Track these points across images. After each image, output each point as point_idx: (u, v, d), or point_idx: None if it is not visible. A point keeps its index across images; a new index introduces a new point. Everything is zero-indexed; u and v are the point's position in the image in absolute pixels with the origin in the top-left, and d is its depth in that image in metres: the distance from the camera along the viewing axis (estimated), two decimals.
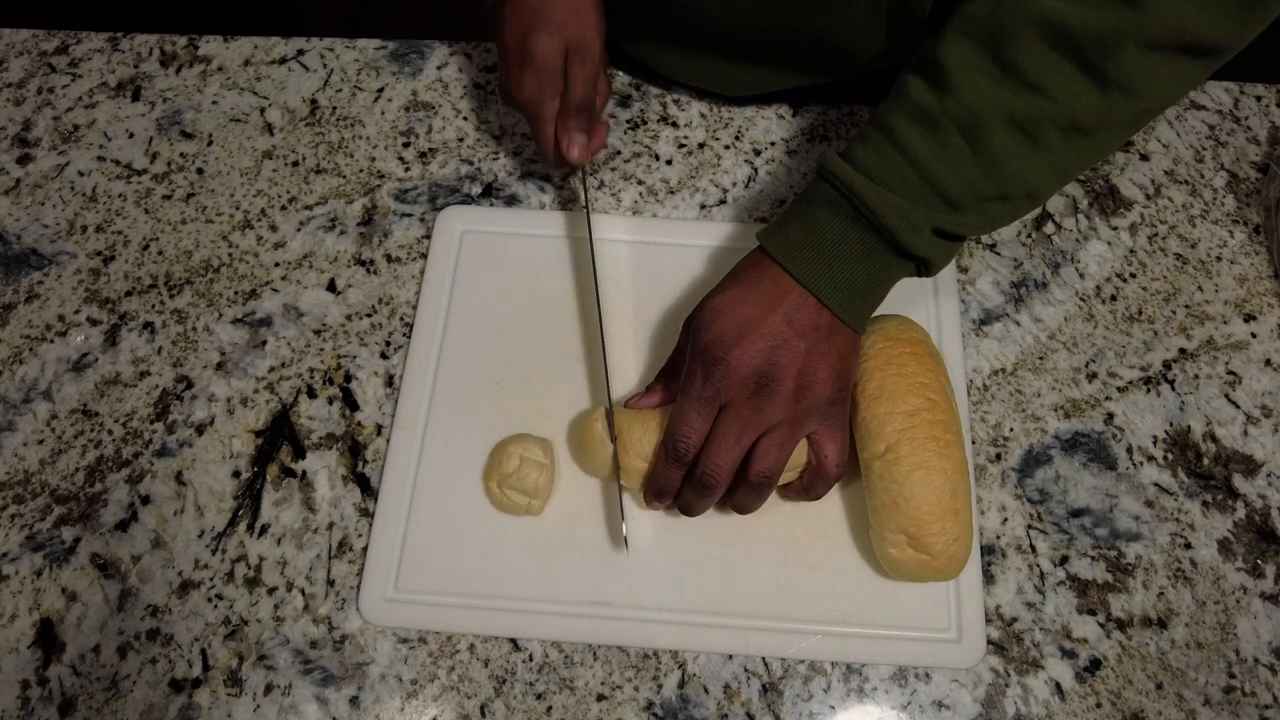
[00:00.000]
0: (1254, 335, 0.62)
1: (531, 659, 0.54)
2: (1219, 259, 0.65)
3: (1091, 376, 0.61)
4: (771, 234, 0.52)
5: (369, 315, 0.65)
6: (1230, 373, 0.61)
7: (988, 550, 0.56)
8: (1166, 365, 0.61)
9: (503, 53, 0.61)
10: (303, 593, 0.56)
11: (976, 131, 0.47)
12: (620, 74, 0.74)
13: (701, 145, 0.70)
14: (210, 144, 0.72)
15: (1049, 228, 0.67)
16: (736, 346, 0.49)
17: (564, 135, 0.59)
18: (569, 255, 0.66)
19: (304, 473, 0.59)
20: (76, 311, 0.65)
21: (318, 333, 0.64)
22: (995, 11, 0.46)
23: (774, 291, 0.50)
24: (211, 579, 0.56)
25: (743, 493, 0.52)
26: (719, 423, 0.50)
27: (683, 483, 0.52)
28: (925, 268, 0.51)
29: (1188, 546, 0.56)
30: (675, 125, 0.71)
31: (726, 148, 0.70)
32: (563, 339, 0.62)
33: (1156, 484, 0.58)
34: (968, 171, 0.48)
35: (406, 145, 0.71)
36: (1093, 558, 0.56)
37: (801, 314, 0.50)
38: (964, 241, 0.52)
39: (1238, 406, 0.60)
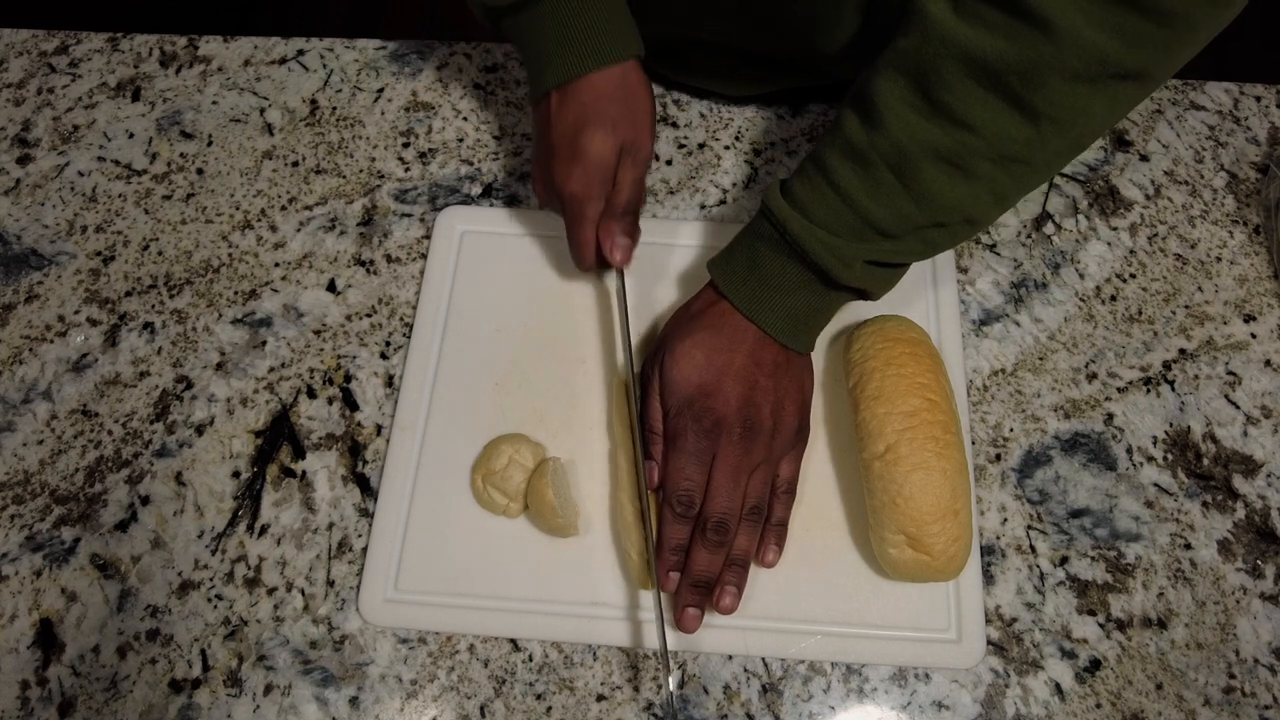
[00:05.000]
0: (1254, 336, 0.62)
1: (531, 659, 0.54)
2: (1219, 259, 0.65)
3: (1091, 377, 0.61)
4: (719, 264, 0.55)
5: (369, 315, 0.65)
6: (1230, 373, 0.61)
7: (988, 550, 0.56)
8: (1166, 366, 0.61)
9: (548, 147, 0.57)
10: (302, 593, 0.56)
11: (905, 167, 0.47)
12: None
13: (701, 145, 0.70)
14: (210, 144, 0.72)
15: (1049, 228, 0.67)
16: (718, 394, 0.51)
17: (606, 238, 0.57)
18: (569, 256, 0.65)
19: (304, 473, 0.59)
20: (76, 312, 0.65)
21: (318, 333, 0.64)
22: (922, 47, 0.46)
23: (735, 335, 0.53)
24: (211, 579, 0.56)
25: (743, 533, 0.52)
26: (715, 471, 0.51)
27: (693, 542, 0.52)
28: (864, 295, 0.53)
29: (1188, 547, 0.56)
30: (675, 125, 0.71)
31: (726, 148, 0.70)
32: (563, 340, 0.62)
33: (1156, 484, 0.58)
34: (900, 205, 0.48)
35: (406, 145, 0.71)
36: (1093, 558, 0.56)
37: (765, 352, 0.53)
38: (907, 267, 0.53)
39: (1238, 407, 0.60)
